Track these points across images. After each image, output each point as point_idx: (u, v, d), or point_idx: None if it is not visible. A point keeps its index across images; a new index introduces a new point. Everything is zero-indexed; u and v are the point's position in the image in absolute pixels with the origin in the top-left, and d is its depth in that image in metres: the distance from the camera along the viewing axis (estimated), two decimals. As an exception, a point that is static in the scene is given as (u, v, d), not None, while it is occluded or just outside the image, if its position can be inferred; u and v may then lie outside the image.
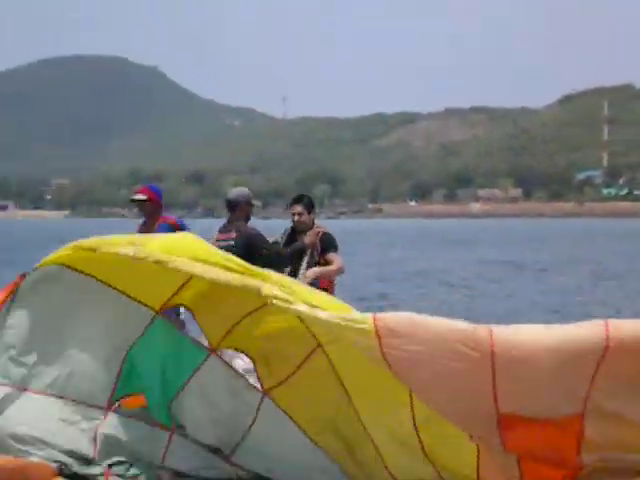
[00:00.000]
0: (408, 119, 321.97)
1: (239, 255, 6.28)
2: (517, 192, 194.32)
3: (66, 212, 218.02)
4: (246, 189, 8.25)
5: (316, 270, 7.63)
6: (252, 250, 7.45)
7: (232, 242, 7.66)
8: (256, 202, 8.29)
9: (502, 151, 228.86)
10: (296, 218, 8.00)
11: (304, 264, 7.68)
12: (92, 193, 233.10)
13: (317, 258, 7.74)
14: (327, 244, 7.84)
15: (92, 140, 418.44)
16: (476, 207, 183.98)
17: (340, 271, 7.78)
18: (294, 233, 8.04)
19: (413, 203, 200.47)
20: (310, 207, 8.03)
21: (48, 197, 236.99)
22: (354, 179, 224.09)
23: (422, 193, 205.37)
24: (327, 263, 7.77)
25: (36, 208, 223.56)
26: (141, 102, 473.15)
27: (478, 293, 26.99)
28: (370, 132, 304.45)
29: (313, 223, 7.99)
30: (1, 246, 52.18)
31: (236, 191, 8.14)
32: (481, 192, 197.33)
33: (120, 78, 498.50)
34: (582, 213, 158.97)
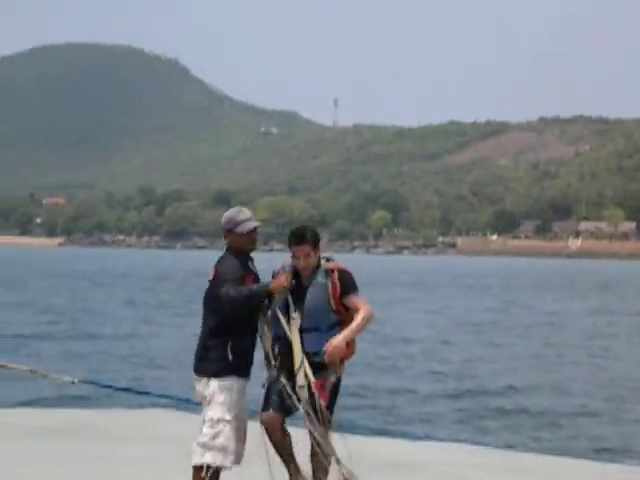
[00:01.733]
0: (492, 130, 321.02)
1: (209, 298, 7.24)
2: (629, 226, 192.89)
3: (60, 239, 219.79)
4: (237, 209, 7.59)
5: (341, 338, 7.21)
6: (215, 292, 7.22)
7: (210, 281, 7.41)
8: (250, 225, 7.42)
9: (611, 173, 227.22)
10: (302, 263, 7.37)
11: (292, 308, 7.39)
12: (92, 216, 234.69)
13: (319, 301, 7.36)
14: (345, 286, 7.35)
15: (94, 150, 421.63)
16: (576, 244, 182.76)
17: (369, 319, 7.39)
18: (298, 275, 7.45)
19: (495, 237, 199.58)
20: (317, 243, 7.46)
21: (38, 220, 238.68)
22: (421, 205, 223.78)
23: (507, 225, 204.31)
24: (346, 310, 7.38)
25: (22, 234, 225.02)
26: (156, 102, 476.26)
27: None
28: (442, 146, 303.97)
29: (319, 262, 7.44)
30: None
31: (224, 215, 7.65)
32: (583, 225, 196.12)
33: (133, 71, 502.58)
34: None
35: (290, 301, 7.36)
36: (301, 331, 7.30)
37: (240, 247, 7.39)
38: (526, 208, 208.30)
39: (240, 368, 7.10)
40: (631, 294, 58.60)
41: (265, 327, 7.31)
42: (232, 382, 7.06)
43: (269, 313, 7.40)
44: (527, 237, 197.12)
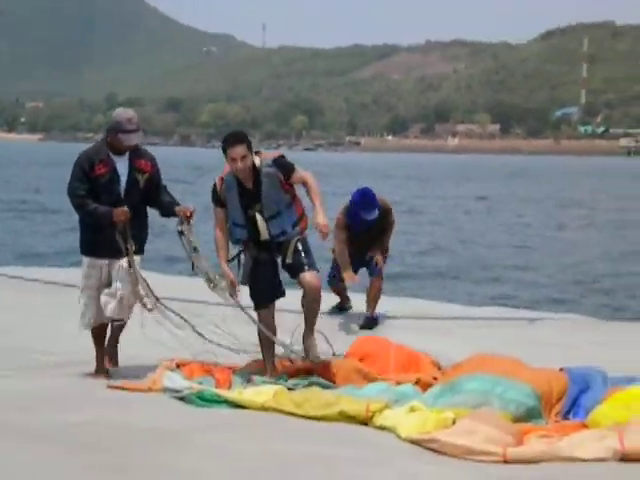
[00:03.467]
0: (387, 51, 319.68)
1: None
2: (495, 128, 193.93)
3: (40, 136, 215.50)
4: (129, 115, 6.71)
5: (322, 214, 6.37)
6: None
7: None
8: (126, 137, 6.60)
9: (482, 86, 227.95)
10: (240, 165, 6.38)
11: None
12: (67, 117, 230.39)
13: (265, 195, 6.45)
14: (286, 168, 6.49)
15: (68, 64, 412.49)
16: (453, 142, 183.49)
17: (314, 180, 6.56)
18: (239, 181, 6.51)
19: (390, 137, 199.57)
20: (250, 145, 6.50)
21: (22, 120, 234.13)
22: (332, 111, 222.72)
23: (400, 127, 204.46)
24: (291, 186, 6.54)
25: (9, 131, 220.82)
26: (119, 27, 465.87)
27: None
28: (349, 64, 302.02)
29: (253, 163, 6.48)
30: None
31: (116, 111, 6.90)
32: (459, 127, 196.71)
33: (98, 2, 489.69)
34: (559, 151, 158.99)
35: (239, 205, 6.46)
36: (265, 222, 6.48)
37: (117, 147, 6.65)
38: (414, 114, 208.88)
39: (95, 246, 6.66)
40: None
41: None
42: (86, 259, 6.72)
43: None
44: (415, 137, 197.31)
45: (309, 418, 5.62)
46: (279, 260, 6.61)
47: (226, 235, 6.61)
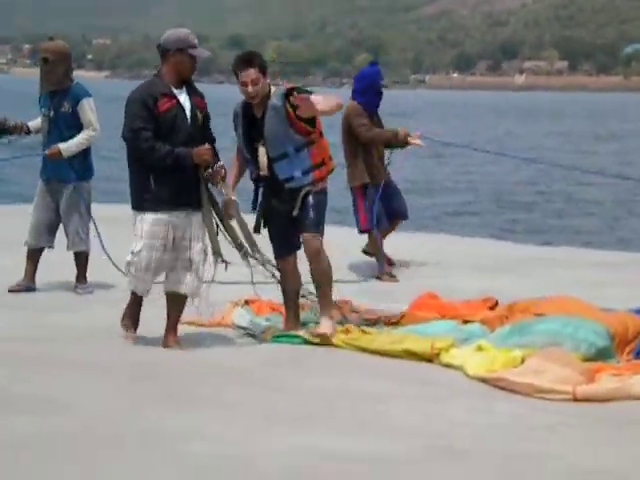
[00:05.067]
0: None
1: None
2: (563, 65, 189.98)
3: (106, 73, 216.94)
4: (183, 30, 5.95)
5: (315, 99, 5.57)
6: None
7: None
8: (198, 51, 5.80)
9: (550, 22, 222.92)
10: (251, 89, 5.63)
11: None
12: (133, 54, 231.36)
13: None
14: (290, 92, 5.69)
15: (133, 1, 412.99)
16: (520, 79, 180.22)
17: (337, 104, 5.67)
18: (250, 109, 5.79)
19: (456, 75, 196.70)
20: (265, 69, 5.74)
21: (89, 57, 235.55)
22: (397, 49, 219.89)
23: (466, 64, 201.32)
24: (312, 127, 5.74)
25: (77, 68, 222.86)
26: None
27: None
28: (414, 0, 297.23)
29: (269, 92, 5.74)
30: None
31: (166, 33, 5.92)
32: (526, 64, 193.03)
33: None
34: (629, 87, 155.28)
35: (242, 138, 5.80)
36: (271, 162, 5.73)
37: (182, 72, 5.73)
38: (481, 51, 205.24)
39: (163, 201, 5.61)
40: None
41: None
42: (150, 215, 5.63)
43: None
44: (481, 74, 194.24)
45: (374, 353, 5.63)
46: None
47: (242, 163, 6.00)
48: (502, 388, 5.02)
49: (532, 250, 10.25)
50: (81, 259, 7.47)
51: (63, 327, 6.24)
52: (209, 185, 5.68)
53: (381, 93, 8.33)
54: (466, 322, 6.04)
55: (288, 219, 5.85)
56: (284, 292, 6.06)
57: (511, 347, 5.42)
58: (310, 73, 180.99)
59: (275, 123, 5.65)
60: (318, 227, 5.82)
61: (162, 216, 5.61)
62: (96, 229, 7.57)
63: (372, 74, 8.39)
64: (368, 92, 8.21)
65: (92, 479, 3.61)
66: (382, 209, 8.24)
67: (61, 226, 7.52)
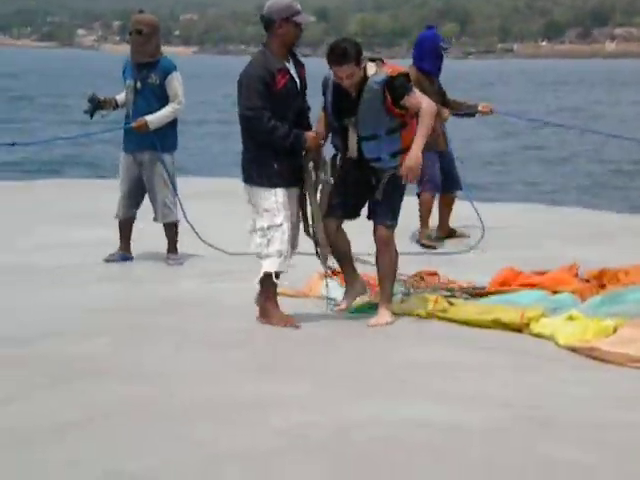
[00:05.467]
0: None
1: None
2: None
3: (194, 48, 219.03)
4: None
5: (415, 151, 5.46)
6: (238, 97, 5.62)
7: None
8: (305, 18, 5.71)
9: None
10: (346, 82, 5.45)
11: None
12: (220, 29, 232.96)
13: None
14: (396, 90, 5.44)
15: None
16: (611, 46, 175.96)
17: (432, 114, 5.52)
18: (339, 88, 5.55)
19: (545, 43, 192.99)
20: (359, 58, 5.42)
21: (176, 33, 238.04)
22: (483, 17, 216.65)
23: (555, 32, 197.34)
24: (405, 110, 5.51)
25: (165, 44, 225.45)
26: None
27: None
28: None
29: (365, 73, 5.48)
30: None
31: (269, 3, 5.64)
32: (617, 31, 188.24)
33: None
34: None
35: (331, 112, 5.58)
36: (359, 139, 5.55)
37: (289, 41, 5.59)
38: (570, 18, 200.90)
39: (285, 176, 5.60)
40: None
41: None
42: (277, 189, 5.59)
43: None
44: (571, 42, 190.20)
45: (463, 323, 5.62)
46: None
47: (327, 125, 5.73)
48: (595, 358, 4.97)
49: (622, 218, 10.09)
50: (171, 230, 7.58)
51: (158, 298, 6.38)
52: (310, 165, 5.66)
53: (442, 56, 8.33)
54: (555, 292, 5.98)
55: (360, 187, 5.68)
56: (336, 254, 5.79)
57: (603, 316, 5.35)
58: (395, 44, 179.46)
59: (371, 105, 5.47)
60: (394, 217, 5.69)
61: (286, 191, 5.59)
62: (180, 204, 7.63)
63: (430, 38, 8.37)
64: (428, 57, 8.22)
65: (183, 439, 3.73)
66: (440, 176, 8.33)
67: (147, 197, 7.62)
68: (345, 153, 5.65)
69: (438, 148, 8.20)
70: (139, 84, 7.39)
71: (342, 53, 5.36)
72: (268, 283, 5.62)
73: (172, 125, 7.50)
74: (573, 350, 5.11)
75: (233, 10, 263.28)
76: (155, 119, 7.34)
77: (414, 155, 5.43)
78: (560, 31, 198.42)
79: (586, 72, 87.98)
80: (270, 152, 5.52)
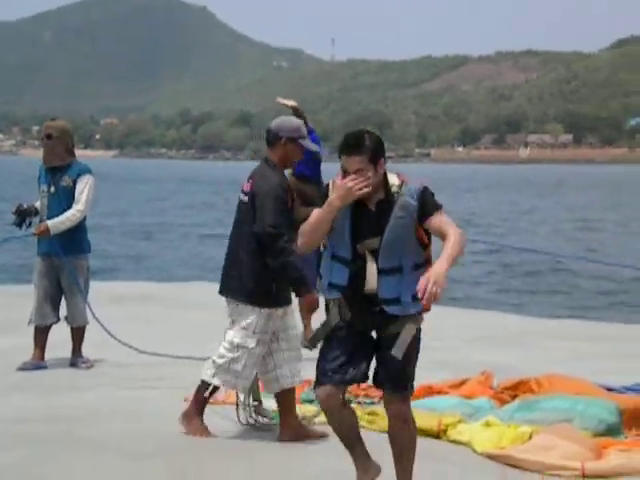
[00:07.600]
0: (457, 62, 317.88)
1: (247, 216, 5.30)
2: (567, 138, 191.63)
3: (114, 152, 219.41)
4: (296, 120, 5.65)
5: (445, 267, 3.83)
6: (259, 212, 5.26)
7: (245, 196, 5.38)
8: (308, 144, 5.59)
9: (553, 96, 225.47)
10: (351, 185, 4.10)
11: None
12: (141, 133, 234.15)
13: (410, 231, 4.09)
14: (427, 204, 4.09)
15: (141, 80, 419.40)
16: (525, 153, 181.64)
17: (464, 244, 4.03)
18: (359, 201, 4.15)
19: (461, 148, 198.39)
20: (377, 155, 4.12)
21: (97, 137, 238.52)
22: (401, 123, 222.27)
23: (471, 138, 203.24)
24: (427, 235, 4.14)
25: (85, 148, 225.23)
26: (190, 43, 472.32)
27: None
28: (418, 76, 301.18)
29: (386, 177, 4.16)
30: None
31: (279, 120, 5.56)
32: (531, 137, 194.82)
33: (169, 18, 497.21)
34: (634, 159, 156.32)
35: (347, 228, 4.14)
36: (379, 271, 4.12)
37: (289, 160, 5.49)
38: (485, 125, 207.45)
39: (279, 298, 5.38)
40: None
41: None
42: (265, 309, 5.34)
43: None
44: (486, 148, 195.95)
45: (379, 431, 5.56)
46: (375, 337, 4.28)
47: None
48: (511, 465, 4.98)
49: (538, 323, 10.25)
50: (79, 333, 7.50)
51: (75, 407, 6.22)
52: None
53: (320, 162, 7.75)
54: (471, 397, 5.99)
55: (362, 341, 4.26)
56: (340, 436, 4.37)
57: (519, 422, 5.38)
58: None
59: (401, 227, 4.08)
60: (410, 386, 4.26)
61: (274, 311, 5.36)
62: (90, 308, 7.55)
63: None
64: (309, 162, 7.37)
65: None
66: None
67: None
68: (351, 292, 4.18)
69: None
70: (52, 188, 7.38)
71: (355, 142, 4.11)
72: (204, 391, 5.43)
73: (78, 229, 7.42)
74: (490, 457, 5.11)
75: (154, 114, 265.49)
76: (55, 224, 7.28)
77: (442, 269, 3.87)
78: (475, 137, 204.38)
79: (502, 177, 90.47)
80: (269, 271, 5.27)
